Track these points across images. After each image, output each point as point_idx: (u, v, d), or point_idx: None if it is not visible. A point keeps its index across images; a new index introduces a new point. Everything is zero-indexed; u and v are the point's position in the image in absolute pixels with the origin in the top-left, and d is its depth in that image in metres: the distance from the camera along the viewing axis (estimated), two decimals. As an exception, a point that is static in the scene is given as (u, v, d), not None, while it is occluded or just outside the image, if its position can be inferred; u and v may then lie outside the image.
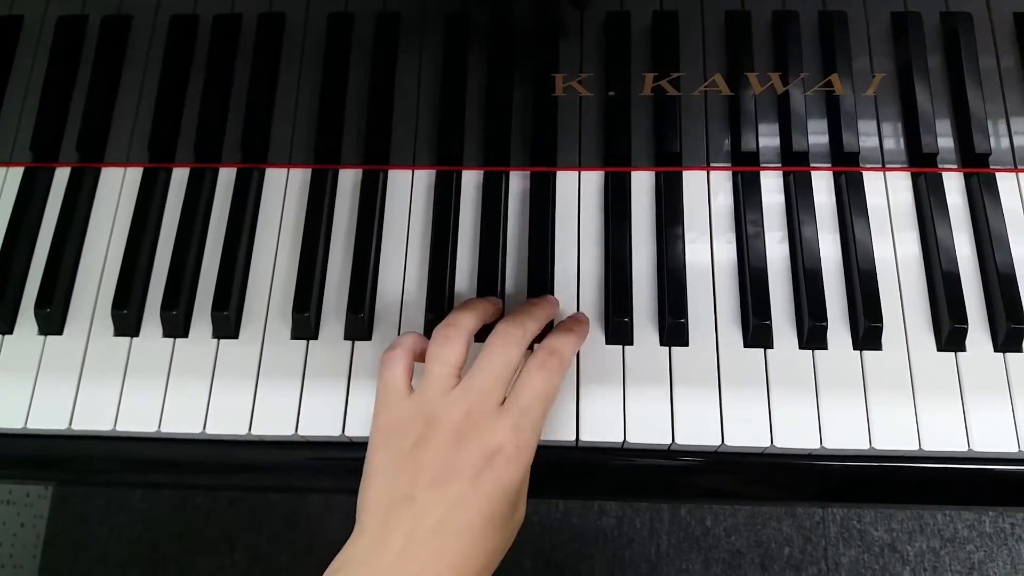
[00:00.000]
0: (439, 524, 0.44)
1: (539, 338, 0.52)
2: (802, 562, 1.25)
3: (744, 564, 1.25)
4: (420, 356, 0.50)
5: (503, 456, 0.45)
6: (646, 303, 0.56)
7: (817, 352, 0.54)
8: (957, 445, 0.51)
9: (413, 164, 0.60)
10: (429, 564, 0.43)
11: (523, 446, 0.46)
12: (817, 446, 0.51)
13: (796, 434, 0.52)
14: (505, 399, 0.47)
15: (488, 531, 0.45)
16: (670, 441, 0.52)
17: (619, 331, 0.54)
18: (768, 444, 0.51)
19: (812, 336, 0.53)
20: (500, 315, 0.54)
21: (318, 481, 0.59)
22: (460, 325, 0.49)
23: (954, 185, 0.58)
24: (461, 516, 0.44)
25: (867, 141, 0.59)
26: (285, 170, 0.61)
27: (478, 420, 0.46)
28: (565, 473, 0.55)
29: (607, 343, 0.55)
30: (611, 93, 0.59)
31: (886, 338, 0.54)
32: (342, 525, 1.22)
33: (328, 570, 0.45)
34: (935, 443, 0.51)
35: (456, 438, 0.46)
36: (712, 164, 0.59)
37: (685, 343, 0.54)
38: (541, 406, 0.48)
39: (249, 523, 1.26)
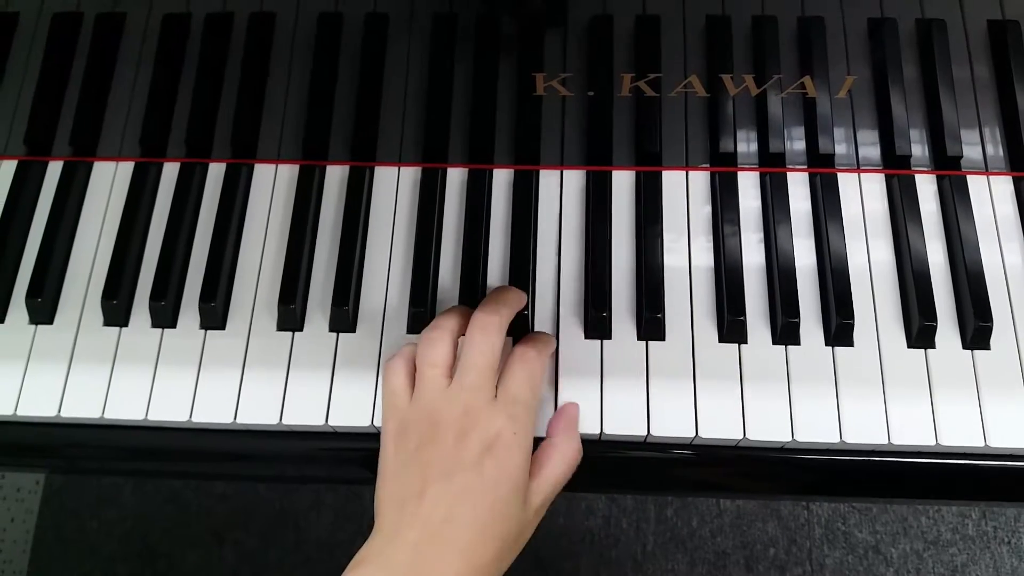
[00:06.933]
0: (448, 514, 0.46)
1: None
2: (787, 563, 1.26)
3: (729, 565, 1.26)
4: None
5: (502, 442, 0.48)
6: (625, 299, 0.57)
7: (790, 348, 0.55)
8: (925, 439, 0.53)
9: (399, 161, 0.62)
10: (442, 554, 0.45)
11: (520, 431, 0.48)
12: (789, 439, 0.53)
13: (768, 427, 0.53)
14: (497, 391, 0.49)
15: (495, 519, 0.47)
16: (646, 433, 0.53)
17: (598, 325, 0.55)
18: (741, 436, 0.53)
19: (785, 332, 0.55)
20: None
21: (303, 470, 0.60)
22: (442, 327, 0.51)
23: (926, 187, 0.59)
24: (468, 504, 0.46)
25: (842, 143, 0.60)
26: (273, 166, 0.62)
27: (476, 415, 0.48)
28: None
29: (586, 337, 0.56)
30: (591, 93, 0.61)
31: (857, 335, 0.55)
32: (330, 522, 1.23)
33: (349, 567, 0.46)
34: (904, 437, 0.53)
35: (458, 434, 0.48)
36: (691, 164, 0.60)
37: (662, 338, 0.55)
38: (530, 393, 0.50)
39: (238, 519, 1.27)
